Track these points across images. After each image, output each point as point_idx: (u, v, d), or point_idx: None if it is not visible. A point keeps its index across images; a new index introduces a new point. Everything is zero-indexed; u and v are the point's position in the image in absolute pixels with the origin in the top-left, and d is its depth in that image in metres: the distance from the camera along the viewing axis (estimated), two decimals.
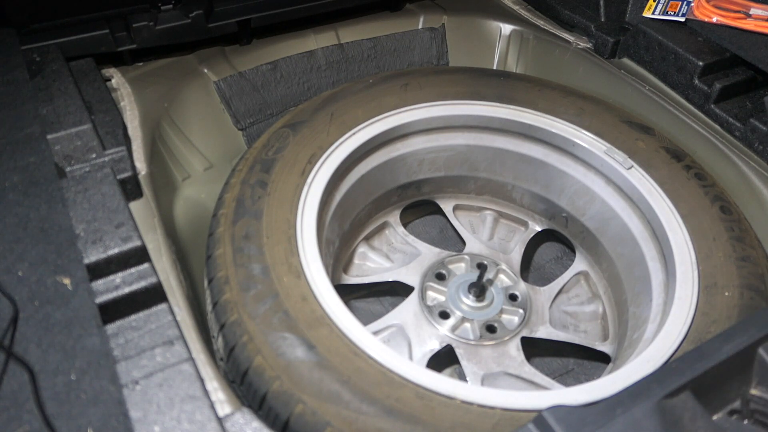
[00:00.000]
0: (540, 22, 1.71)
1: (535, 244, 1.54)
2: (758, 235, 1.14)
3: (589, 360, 1.32)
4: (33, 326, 0.77)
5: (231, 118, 1.49)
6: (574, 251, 1.43)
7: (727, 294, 1.02)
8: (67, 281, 0.82)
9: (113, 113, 1.20)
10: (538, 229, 1.48)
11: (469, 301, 1.24)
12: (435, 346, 1.19)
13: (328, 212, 1.19)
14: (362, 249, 1.41)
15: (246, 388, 0.88)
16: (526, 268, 1.51)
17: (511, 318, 1.26)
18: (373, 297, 1.42)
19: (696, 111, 1.41)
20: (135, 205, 1.07)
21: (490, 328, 1.23)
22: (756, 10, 1.42)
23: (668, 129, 1.38)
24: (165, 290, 0.92)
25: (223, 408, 0.80)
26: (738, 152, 1.29)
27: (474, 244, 1.41)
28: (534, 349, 1.28)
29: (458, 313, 1.23)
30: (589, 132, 1.29)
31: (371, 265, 1.40)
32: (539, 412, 0.69)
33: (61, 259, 0.85)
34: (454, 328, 1.22)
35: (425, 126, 1.31)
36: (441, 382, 0.87)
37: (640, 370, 0.91)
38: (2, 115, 1.08)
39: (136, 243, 0.91)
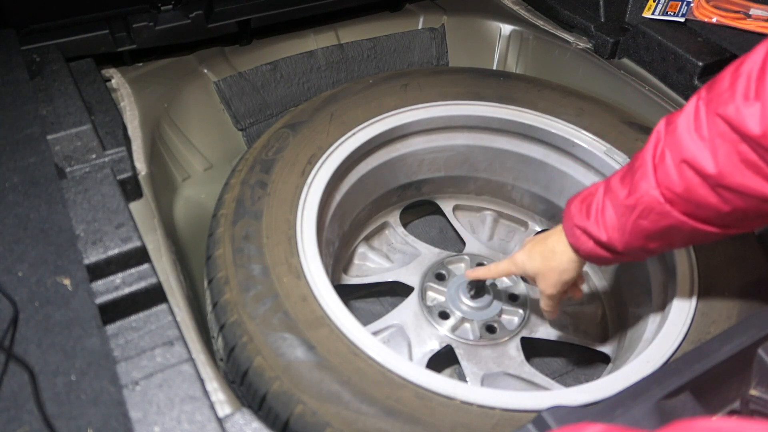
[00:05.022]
0: (540, 23, 1.71)
1: None
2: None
3: (588, 360, 1.32)
4: (33, 327, 0.77)
5: (231, 119, 1.49)
6: None
7: (727, 294, 1.02)
8: (67, 282, 0.82)
9: (113, 113, 1.20)
10: (538, 229, 1.48)
11: (468, 301, 1.24)
12: (435, 346, 1.19)
13: (328, 212, 1.19)
14: (362, 249, 1.41)
15: (246, 388, 0.88)
16: None
17: (511, 318, 1.26)
18: (373, 297, 1.42)
19: None
20: (135, 206, 1.07)
21: (490, 329, 1.23)
22: (756, 11, 1.42)
23: None
24: (165, 291, 0.92)
25: (223, 408, 0.80)
26: None
27: (474, 245, 1.41)
28: (534, 349, 1.28)
29: (458, 314, 1.23)
30: (589, 132, 1.29)
31: (371, 265, 1.40)
32: (539, 412, 0.69)
33: (61, 259, 0.85)
34: (453, 329, 1.22)
35: (425, 126, 1.31)
36: (441, 383, 0.87)
37: (640, 370, 0.91)
38: (2, 115, 1.08)
39: (136, 243, 0.91)
